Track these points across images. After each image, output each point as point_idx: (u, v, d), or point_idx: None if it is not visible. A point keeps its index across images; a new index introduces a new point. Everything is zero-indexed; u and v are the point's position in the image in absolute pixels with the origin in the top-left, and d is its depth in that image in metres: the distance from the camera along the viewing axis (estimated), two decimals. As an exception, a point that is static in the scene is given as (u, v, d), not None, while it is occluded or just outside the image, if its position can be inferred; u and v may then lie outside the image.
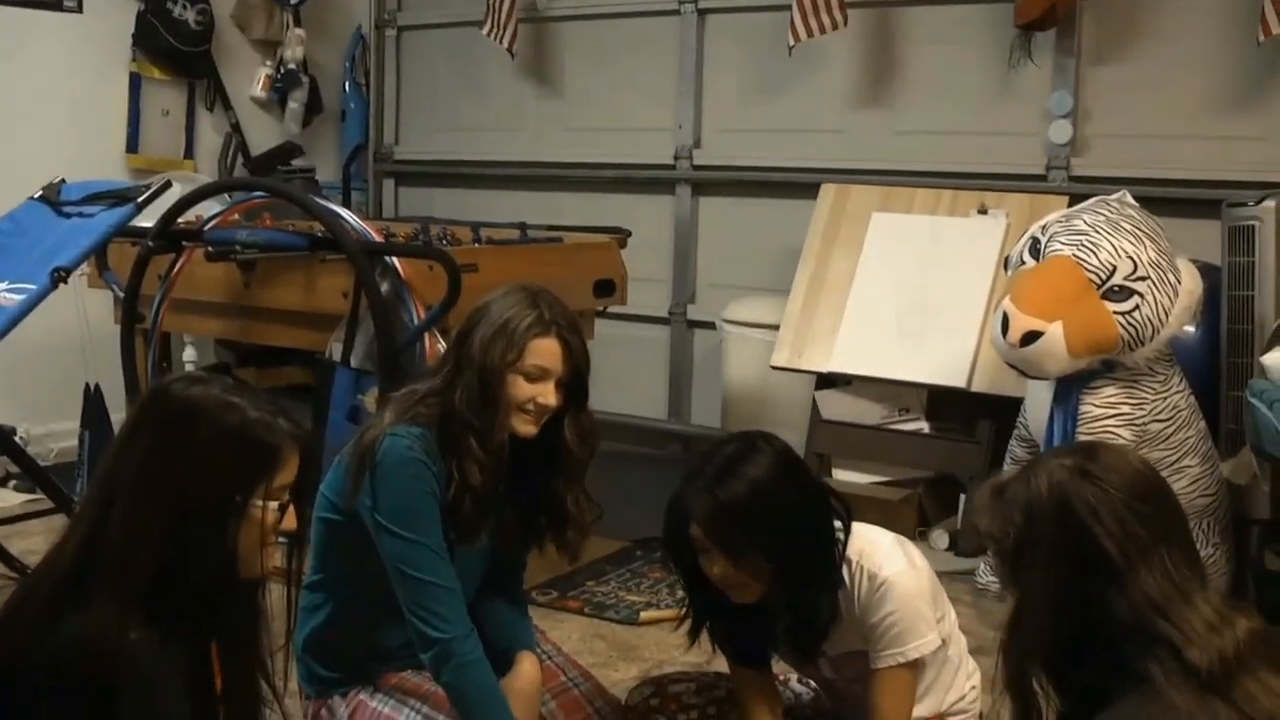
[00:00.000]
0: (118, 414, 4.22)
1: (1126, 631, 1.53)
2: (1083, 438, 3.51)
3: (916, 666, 2.34)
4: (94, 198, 3.91)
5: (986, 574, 3.92)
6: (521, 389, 2.41)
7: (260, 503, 1.74)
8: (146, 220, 4.01)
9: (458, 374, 2.43)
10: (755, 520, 2.21)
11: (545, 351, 2.42)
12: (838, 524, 2.32)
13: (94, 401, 4.48)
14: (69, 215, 3.86)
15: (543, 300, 2.45)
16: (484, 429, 2.41)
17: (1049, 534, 1.60)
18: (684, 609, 2.44)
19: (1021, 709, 1.65)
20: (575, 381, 2.48)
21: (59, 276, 3.56)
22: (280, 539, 1.82)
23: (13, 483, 4.75)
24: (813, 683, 2.61)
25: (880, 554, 2.33)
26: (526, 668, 2.61)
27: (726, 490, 2.20)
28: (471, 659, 2.36)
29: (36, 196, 3.98)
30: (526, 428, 2.44)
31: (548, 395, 2.42)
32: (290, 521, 1.79)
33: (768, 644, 2.43)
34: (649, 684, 2.66)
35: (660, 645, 3.47)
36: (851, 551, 2.32)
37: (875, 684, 2.32)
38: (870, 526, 2.38)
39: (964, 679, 2.52)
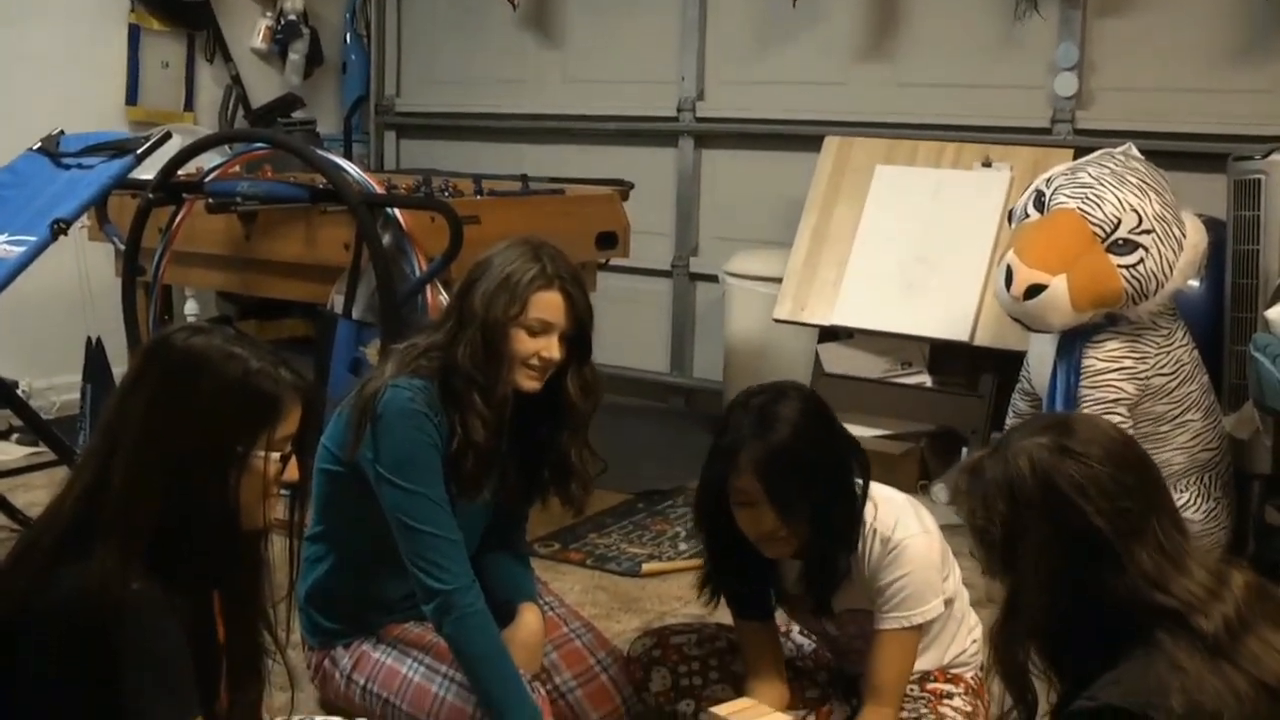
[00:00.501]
0: (119, 367, 4.22)
1: (1126, 608, 1.51)
2: (1085, 391, 3.50)
3: (920, 630, 2.34)
4: (93, 149, 3.89)
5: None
6: (525, 344, 2.40)
7: (262, 454, 1.73)
8: (146, 173, 3.99)
9: (460, 328, 2.42)
10: (805, 466, 2.20)
11: (548, 305, 2.41)
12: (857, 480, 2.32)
13: (95, 355, 4.48)
14: (68, 167, 3.84)
15: (545, 253, 2.44)
16: (487, 384, 2.40)
17: (1037, 518, 1.56)
18: (703, 569, 2.42)
19: (1018, 696, 1.64)
20: (578, 335, 2.47)
21: (59, 228, 3.55)
22: (282, 491, 1.82)
23: (15, 436, 4.76)
24: (813, 635, 2.62)
25: (894, 516, 2.32)
26: (529, 619, 2.62)
27: (777, 437, 2.18)
28: (473, 610, 2.36)
29: (35, 148, 3.96)
30: (530, 383, 2.43)
31: (551, 349, 2.41)
32: (292, 473, 1.79)
33: (774, 598, 2.43)
34: (650, 635, 2.67)
35: (662, 597, 3.48)
36: (865, 511, 2.32)
37: (878, 645, 2.32)
38: (883, 486, 2.37)
39: (965, 634, 2.53)
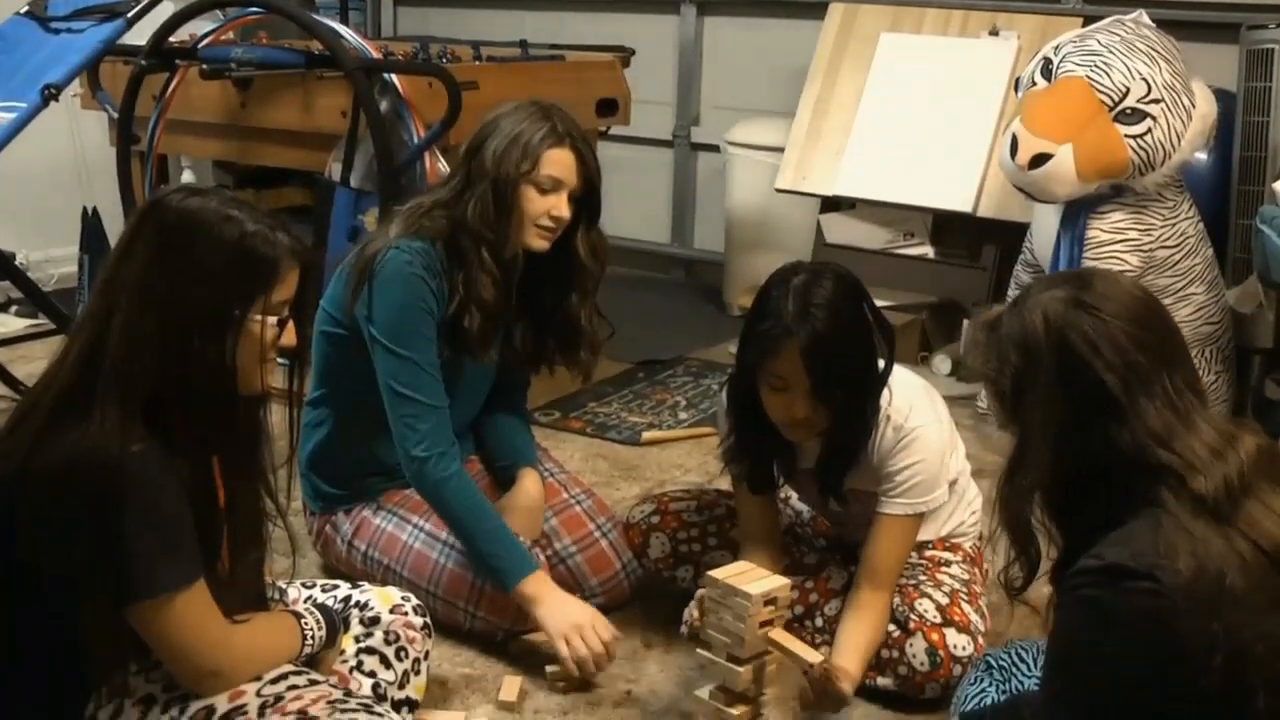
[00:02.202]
0: (116, 237, 4.19)
1: (1131, 464, 1.50)
2: (1089, 263, 3.48)
3: (922, 517, 2.35)
4: (82, 12, 3.81)
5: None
6: (535, 202, 2.40)
7: (259, 318, 1.72)
8: (139, 38, 3.93)
9: (468, 186, 2.41)
10: (845, 354, 2.17)
11: (560, 162, 2.40)
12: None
13: (92, 225, 4.45)
14: (57, 31, 3.76)
15: (555, 113, 2.44)
16: (497, 240, 2.40)
17: (1047, 370, 1.55)
18: (724, 444, 2.41)
19: (1020, 548, 1.64)
20: (587, 195, 2.46)
21: (49, 94, 3.49)
22: (280, 359, 1.81)
23: (14, 308, 4.75)
24: (810, 508, 2.63)
25: (908, 403, 2.30)
26: (529, 484, 2.64)
27: (821, 324, 2.13)
28: (448, 474, 2.38)
29: (23, 12, 3.88)
30: (540, 242, 2.43)
31: (561, 207, 2.41)
32: (289, 337, 1.78)
33: (781, 474, 2.43)
34: (650, 502, 2.69)
35: (662, 465, 3.50)
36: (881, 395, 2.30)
37: (880, 528, 2.33)
38: (899, 369, 2.34)
39: (965, 507, 2.55)
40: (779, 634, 2.08)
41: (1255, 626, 1.38)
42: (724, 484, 2.54)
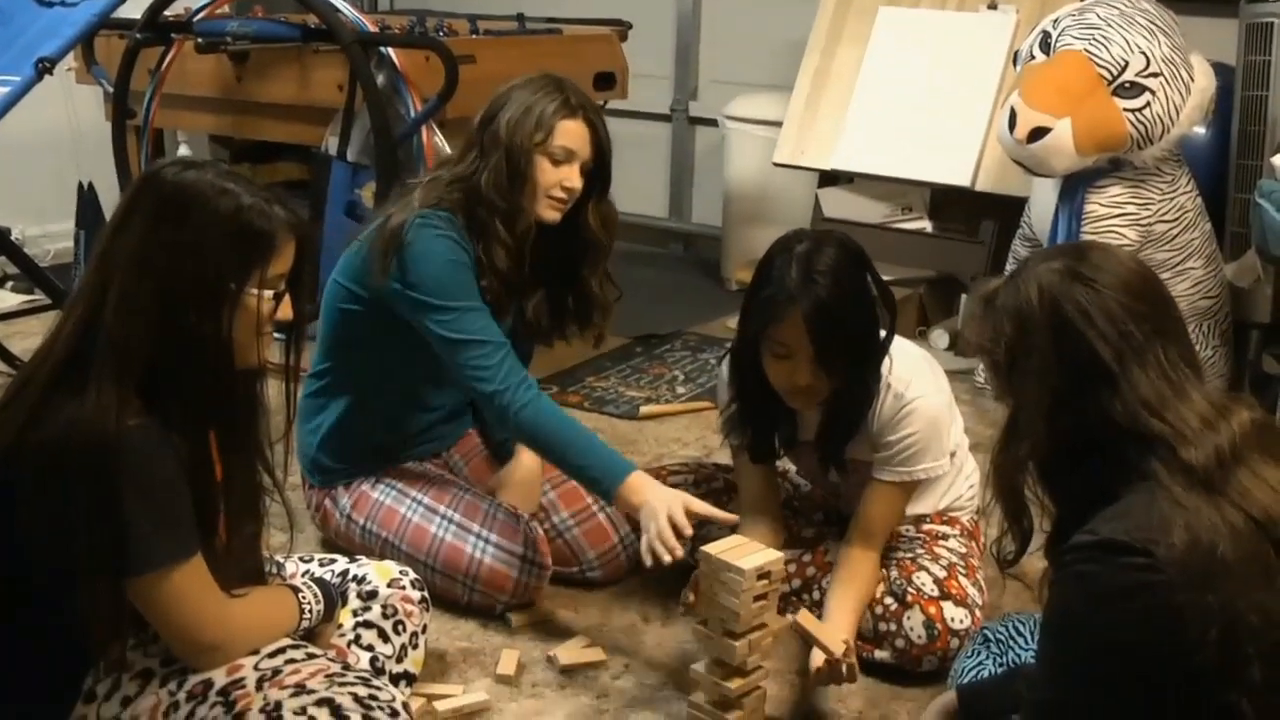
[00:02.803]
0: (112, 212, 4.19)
1: (1123, 433, 1.51)
2: (1086, 237, 3.48)
3: (911, 490, 2.36)
4: (77, -15, 3.80)
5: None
6: (548, 173, 2.41)
7: (255, 291, 1.72)
8: (133, 12, 3.91)
9: (482, 158, 2.43)
10: (848, 321, 2.17)
11: (572, 133, 2.43)
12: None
13: (88, 200, 4.44)
14: (51, 4, 3.75)
15: (567, 86, 2.47)
16: (510, 211, 2.41)
17: (1040, 340, 1.55)
18: (725, 413, 2.42)
19: (1013, 519, 1.64)
20: (598, 166, 2.48)
21: (44, 67, 3.48)
22: (276, 333, 1.81)
23: (10, 284, 4.74)
24: (813, 480, 2.64)
25: (910, 373, 2.31)
26: (526, 459, 2.65)
27: (824, 291, 2.13)
28: (529, 400, 2.36)
29: (17, -15, 3.87)
30: (551, 213, 2.45)
31: (573, 178, 2.43)
32: (286, 311, 1.78)
33: (782, 445, 2.44)
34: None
35: (659, 439, 3.50)
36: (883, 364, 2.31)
37: (875, 493, 2.34)
38: (900, 339, 2.35)
39: (963, 480, 2.55)
40: (806, 618, 2.13)
41: (1248, 597, 1.38)
42: (722, 458, 2.55)
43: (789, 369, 2.20)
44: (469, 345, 2.36)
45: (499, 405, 2.35)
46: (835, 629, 2.18)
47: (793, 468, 2.65)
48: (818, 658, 2.13)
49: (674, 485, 2.61)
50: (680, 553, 2.22)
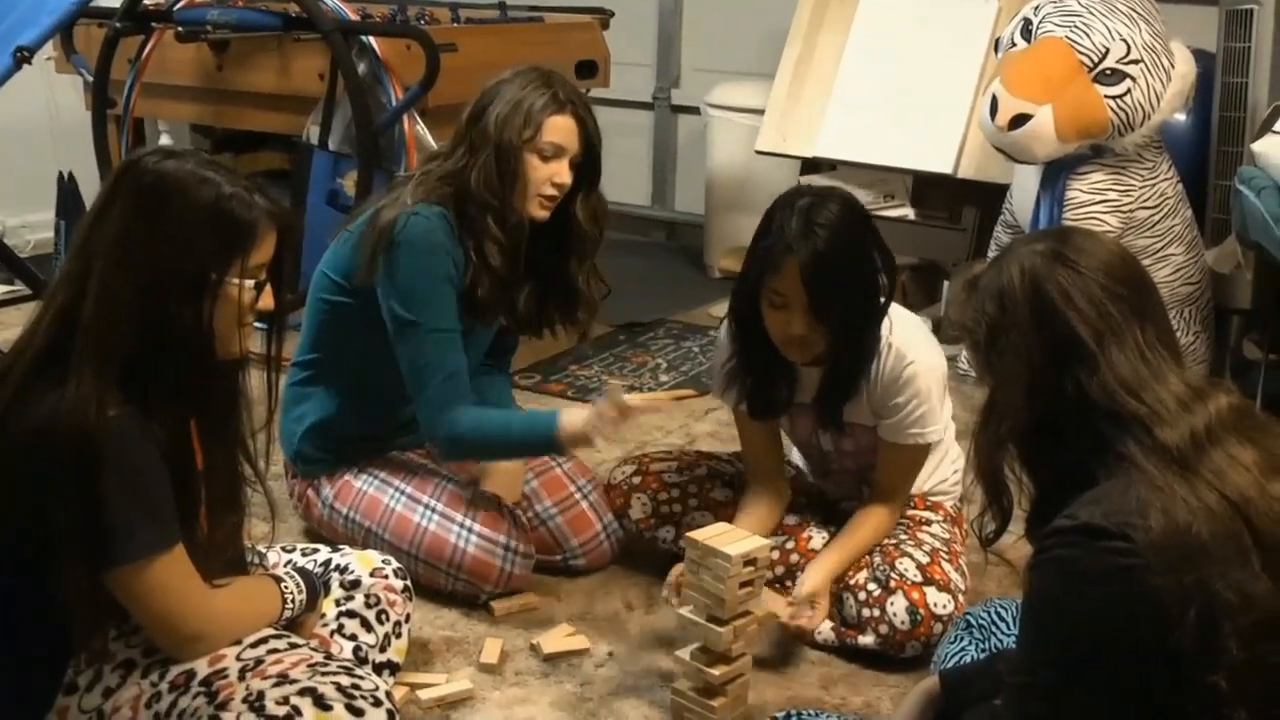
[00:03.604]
0: (92, 202, 4.17)
1: (1101, 413, 1.52)
2: (1068, 224, 3.49)
3: (928, 449, 2.40)
4: (56, -26, 3.77)
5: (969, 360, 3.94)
6: (538, 170, 2.40)
7: (236, 281, 1.71)
8: (113, 0, 3.89)
9: (471, 154, 2.41)
10: (845, 273, 2.20)
11: (561, 129, 2.41)
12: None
13: (68, 190, 4.42)
14: (29, -8, 3.72)
15: (556, 80, 2.45)
16: (502, 208, 2.40)
17: (1021, 319, 1.57)
18: (726, 367, 2.44)
19: (993, 497, 1.65)
20: (589, 160, 2.47)
21: (22, 56, 3.45)
22: (258, 323, 1.80)
23: (-11, 275, 4.72)
24: (805, 452, 2.64)
25: (909, 334, 2.35)
26: (510, 446, 2.65)
27: (822, 242, 2.17)
28: (466, 423, 2.39)
29: (-5, -27, 3.84)
30: (541, 211, 2.44)
31: (563, 174, 2.42)
32: (267, 301, 1.77)
33: (783, 403, 2.45)
34: (631, 463, 2.69)
35: (643, 427, 3.50)
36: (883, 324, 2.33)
37: (893, 455, 2.39)
38: (899, 307, 2.39)
39: (948, 464, 2.57)
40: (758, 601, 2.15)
41: (1225, 576, 1.39)
42: (705, 445, 2.55)
43: (785, 319, 2.23)
44: (422, 370, 2.38)
45: (428, 433, 2.45)
46: (813, 569, 2.29)
47: (793, 449, 2.66)
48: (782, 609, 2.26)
49: (658, 472, 2.63)
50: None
